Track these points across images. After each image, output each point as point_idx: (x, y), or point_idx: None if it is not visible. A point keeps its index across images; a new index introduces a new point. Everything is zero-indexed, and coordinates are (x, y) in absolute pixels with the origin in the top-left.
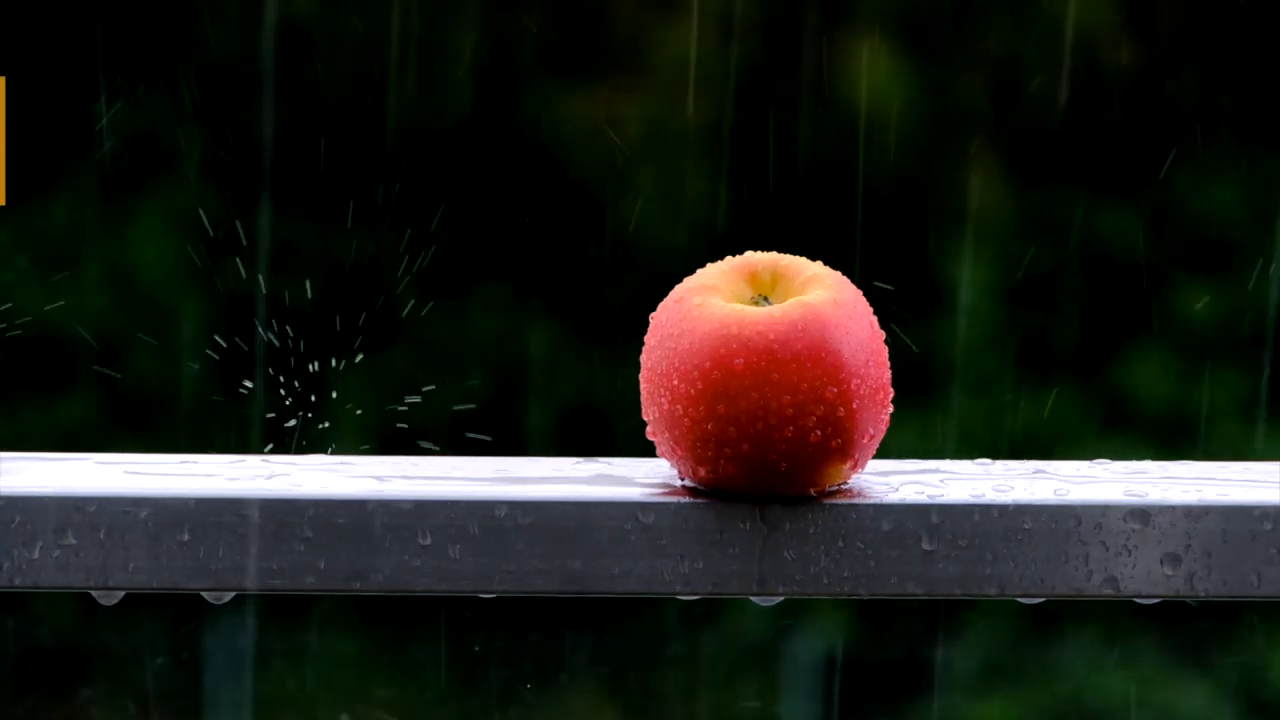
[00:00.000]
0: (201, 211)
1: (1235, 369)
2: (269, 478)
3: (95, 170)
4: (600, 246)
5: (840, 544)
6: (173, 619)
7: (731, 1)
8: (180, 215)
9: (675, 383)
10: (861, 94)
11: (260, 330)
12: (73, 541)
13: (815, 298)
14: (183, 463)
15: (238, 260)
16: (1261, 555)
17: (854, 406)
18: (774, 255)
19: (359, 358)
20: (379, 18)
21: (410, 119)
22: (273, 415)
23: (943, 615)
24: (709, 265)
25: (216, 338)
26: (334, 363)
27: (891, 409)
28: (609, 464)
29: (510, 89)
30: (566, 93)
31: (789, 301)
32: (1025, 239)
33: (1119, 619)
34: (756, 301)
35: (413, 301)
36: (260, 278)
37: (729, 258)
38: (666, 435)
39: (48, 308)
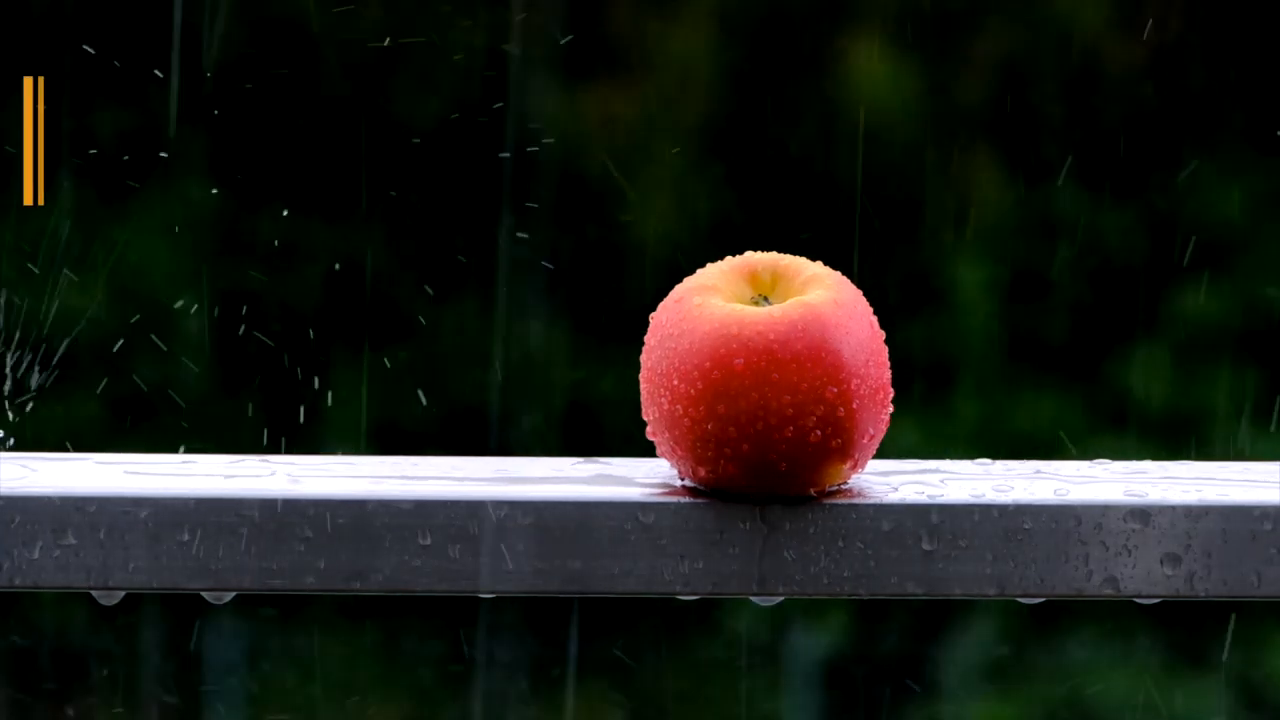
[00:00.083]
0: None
1: (1235, 369)
2: (269, 477)
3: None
4: (600, 246)
5: (840, 544)
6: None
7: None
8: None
9: (675, 383)
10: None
11: (260, 330)
12: (73, 541)
13: (815, 298)
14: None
15: (238, 259)
16: (1261, 555)
17: (854, 406)
18: (774, 255)
19: (359, 357)
20: (379, 16)
21: (410, 118)
22: (273, 415)
23: (943, 615)
24: (709, 265)
25: (217, 337)
26: (334, 362)
27: (891, 409)
28: (609, 464)
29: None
30: (566, 92)
31: (789, 301)
32: (1025, 239)
33: (1119, 619)
34: (756, 301)
35: (413, 301)
36: (260, 277)
37: (729, 258)
38: (666, 435)
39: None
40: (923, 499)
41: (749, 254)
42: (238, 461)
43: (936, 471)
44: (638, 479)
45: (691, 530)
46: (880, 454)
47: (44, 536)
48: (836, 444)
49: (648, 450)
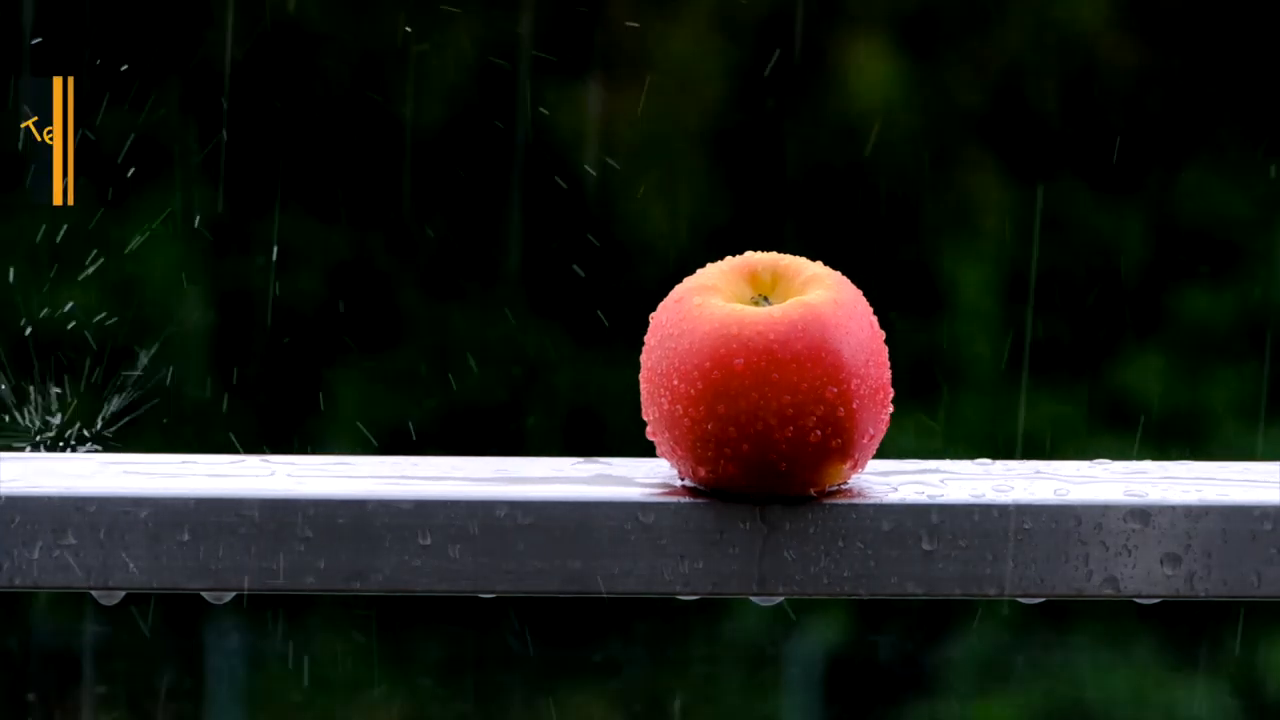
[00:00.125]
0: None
1: (1235, 369)
2: (269, 477)
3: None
4: (600, 246)
5: (840, 544)
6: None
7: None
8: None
9: (675, 383)
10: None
11: (260, 330)
12: (73, 541)
13: (815, 298)
14: (183, 463)
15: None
16: (1261, 555)
17: (854, 406)
18: (774, 255)
19: (359, 357)
20: (379, 16)
21: (410, 118)
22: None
23: (943, 615)
24: (709, 265)
25: (217, 337)
26: (334, 362)
27: (891, 409)
28: (609, 464)
29: (510, 88)
30: (566, 92)
31: (789, 301)
32: (1025, 239)
33: (1119, 619)
34: (756, 301)
35: (413, 301)
36: (260, 277)
37: (729, 258)
38: (666, 435)
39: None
40: (923, 499)
41: (749, 254)
42: (238, 461)
43: (936, 471)
44: (638, 479)
45: (691, 530)
46: (880, 454)
47: (44, 536)
48: (836, 444)
49: (648, 450)
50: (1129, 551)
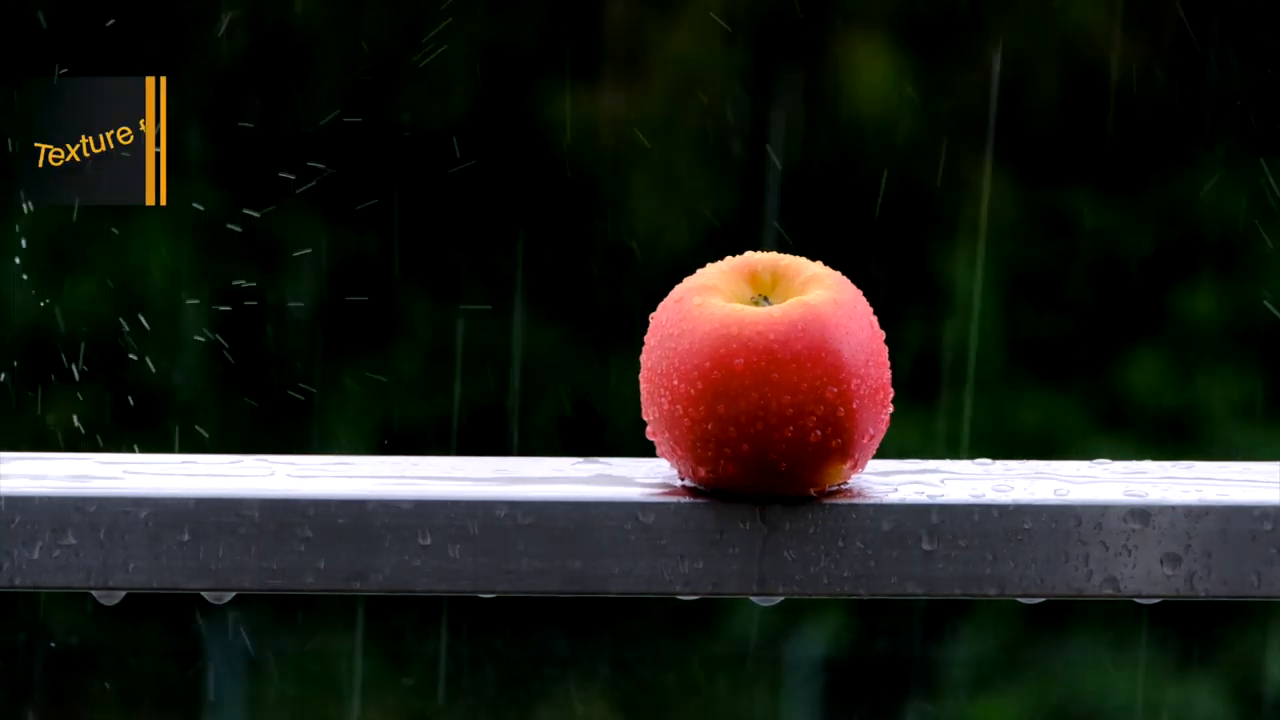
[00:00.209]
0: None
1: (1235, 369)
2: (269, 477)
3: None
4: (600, 246)
5: (840, 544)
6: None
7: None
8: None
9: (675, 383)
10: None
11: (260, 330)
12: (73, 541)
13: (815, 298)
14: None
15: (238, 259)
16: (1261, 555)
17: (854, 406)
18: (774, 255)
19: (360, 358)
20: (379, 16)
21: (410, 118)
22: (273, 415)
23: (943, 615)
24: (709, 265)
25: (217, 337)
26: (335, 363)
27: (891, 409)
28: (609, 464)
29: (510, 88)
30: (566, 92)
31: (789, 301)
32: (1026, 238)
33: (1119, 619)
34: (756, 301)
35: (413, 301)
36: (260, 276)
37: (729, 258)
38: (666, 435)
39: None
40: (923, 499)
41: (749, 254)
42: (238, 461)
43: (936, 471)
44: (638, 479)
45: (691, 530)
46: (880, 454)
47: (44, 536)
48: (836, 444)
49: (648, 450)
50: (1129, 551)
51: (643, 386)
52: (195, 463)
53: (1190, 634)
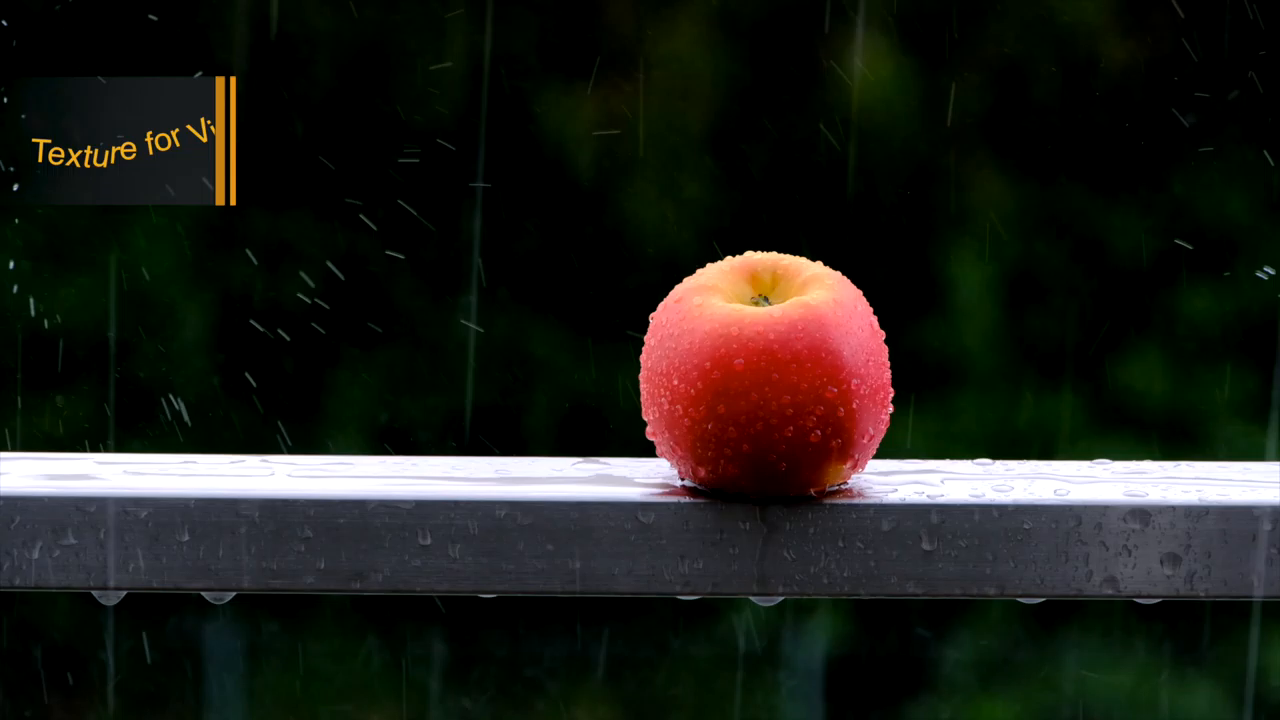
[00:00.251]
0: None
1: (1235, 369)
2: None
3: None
4: (600, 246)
5: (840, 544)
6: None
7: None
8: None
9: (675, 383)
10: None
11: (260, 330)
12: (73, 541)
13: (815, 298)
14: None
15: (238, 259)
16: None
17: (854, 406)
18: (774, 255)
19: (360, 357)
20: (379, 16)
21: (410, 118)
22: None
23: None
24: (709, 265)
25: (217, 337)
26: (334, 362)
27: (891, 409)
28: (609, 464)
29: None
30: (566, 92)
31: (789, 302)
32: (1026, 238)
33: (1119, 619)
34: (756, 301)
35: (413, 301)
36: (260, 276)
37: (729, 258)
38: (666, 435)
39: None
40: (923, 499)
41: (749, 254)
42: (238, 461)
43: (936, 471)
44: (638, 479)
45: (691, 530)
46: (880, 454)
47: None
48: (836, 444)
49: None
50: (1129, 551)
51: (643, 387)
52: (195, 463)
53: (1190, 634)
